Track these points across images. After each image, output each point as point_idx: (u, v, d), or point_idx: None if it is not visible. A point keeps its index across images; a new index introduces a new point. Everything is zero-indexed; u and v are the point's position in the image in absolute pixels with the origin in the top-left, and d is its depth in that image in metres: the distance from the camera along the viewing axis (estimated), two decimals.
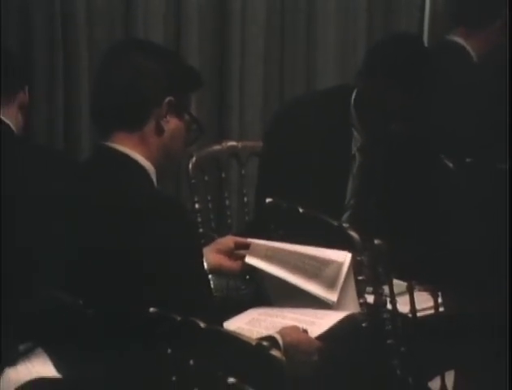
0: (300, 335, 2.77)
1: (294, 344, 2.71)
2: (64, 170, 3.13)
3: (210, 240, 3.43)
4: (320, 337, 2.79)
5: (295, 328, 2.80)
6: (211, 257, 2.97)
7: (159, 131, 2.68)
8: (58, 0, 4.07)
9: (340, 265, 2.95)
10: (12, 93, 3.47)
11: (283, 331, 2.75)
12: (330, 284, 2.96)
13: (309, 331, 2.80)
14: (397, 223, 3.20)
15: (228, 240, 3.11)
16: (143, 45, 2.94)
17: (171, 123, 2.70)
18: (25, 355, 2.59)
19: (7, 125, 3.41)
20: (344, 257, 2.97)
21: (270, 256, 3.03)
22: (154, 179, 2.71)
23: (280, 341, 2.68)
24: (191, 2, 4.39)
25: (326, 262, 2.97)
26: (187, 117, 2.77)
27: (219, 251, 3.07)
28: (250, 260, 3.05)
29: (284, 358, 2.31)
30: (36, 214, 2.73)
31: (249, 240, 3.08)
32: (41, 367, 2.54)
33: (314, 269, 2.97)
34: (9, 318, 2.62)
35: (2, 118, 3.40)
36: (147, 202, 2.63)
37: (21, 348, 2.59)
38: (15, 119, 3.46)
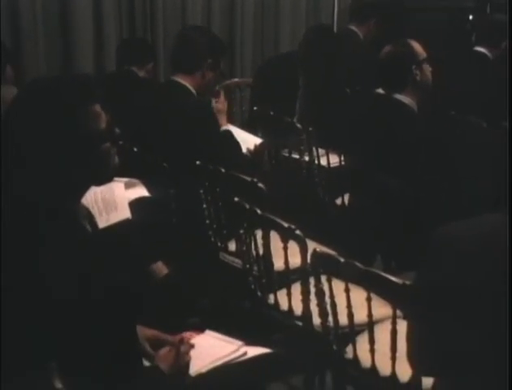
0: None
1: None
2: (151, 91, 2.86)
3: None
4: None
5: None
6: None
7: (203, 76, 2.53)
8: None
9: None
10: (143, 64, 3.25)
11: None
12: None
13: None
14: (321, 119, 2.96)
15: None
16: (197, 29, 2.81)
17: (210, 73, 2.56)
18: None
19: (140, 77, 3.22)
20: None
21: None
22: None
23: None
24: (216, 8, 4.09)
25: None
26: (218, 71, 2.61)
27: None
28: None
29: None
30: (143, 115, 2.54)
31: None
32: (141, 192, 2.28)
33: None
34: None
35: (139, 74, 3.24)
36: (192, 104, 2.52)
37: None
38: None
